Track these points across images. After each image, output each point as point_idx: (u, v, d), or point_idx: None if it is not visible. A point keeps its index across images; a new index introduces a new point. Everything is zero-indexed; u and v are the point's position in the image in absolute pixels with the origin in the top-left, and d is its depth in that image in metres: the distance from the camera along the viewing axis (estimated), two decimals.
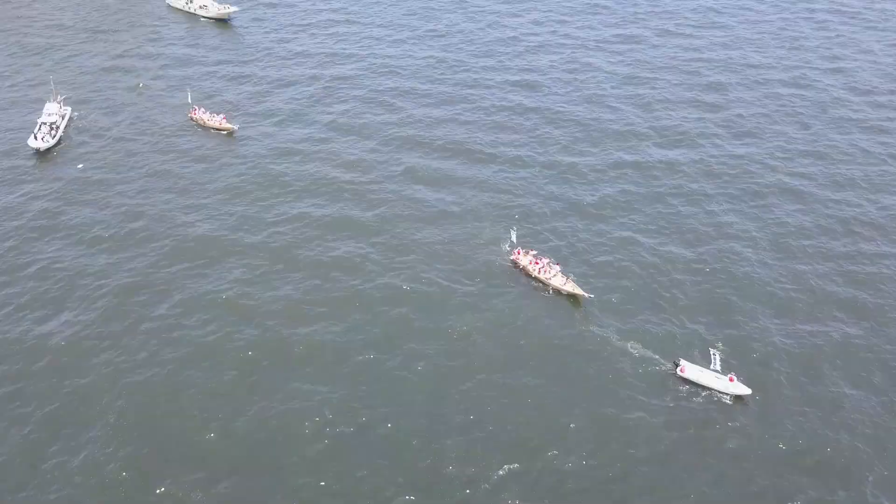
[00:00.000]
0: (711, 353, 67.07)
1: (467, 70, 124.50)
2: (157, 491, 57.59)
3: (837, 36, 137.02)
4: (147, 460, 59.86)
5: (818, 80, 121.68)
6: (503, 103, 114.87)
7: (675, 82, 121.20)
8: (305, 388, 66.29)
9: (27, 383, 66.88)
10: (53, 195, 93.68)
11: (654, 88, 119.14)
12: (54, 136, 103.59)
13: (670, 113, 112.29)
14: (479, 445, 61.18)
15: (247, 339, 71.36)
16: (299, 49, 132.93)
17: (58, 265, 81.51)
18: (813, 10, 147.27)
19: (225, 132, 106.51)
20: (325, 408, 64.27)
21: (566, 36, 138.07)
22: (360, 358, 69.32)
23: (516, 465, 59.66)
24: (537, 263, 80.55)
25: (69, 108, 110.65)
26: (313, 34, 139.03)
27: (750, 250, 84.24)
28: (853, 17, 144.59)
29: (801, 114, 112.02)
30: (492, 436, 62.17)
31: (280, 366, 68.62)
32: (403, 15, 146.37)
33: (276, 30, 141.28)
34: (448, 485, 58.38)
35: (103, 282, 78.85)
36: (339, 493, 57.64)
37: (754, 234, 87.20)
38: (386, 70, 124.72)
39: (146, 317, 74.16)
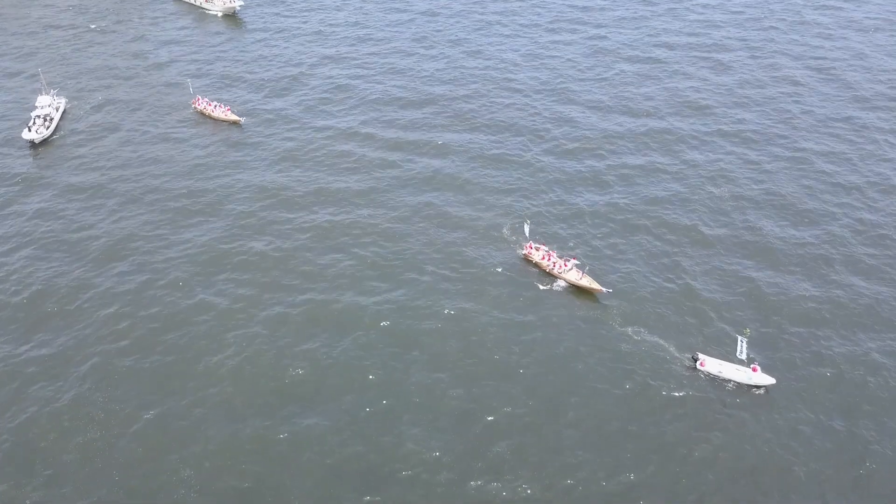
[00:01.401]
0: (738, 339, 63.42)
1: (474, 65, 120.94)
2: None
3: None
4: None
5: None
6: (511, 94, 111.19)
7: (685, 72, 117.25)
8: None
9: None
10: (46, 187, 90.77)
11: (665, 79, 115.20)
12: (48, 128, 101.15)
13: (680, 103, 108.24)
14: (486, 436, 58.52)
15: (241, 334, 68.28)
16: (305, 43, 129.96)
17: (48, 255, 78.81)
18: None
19: (230, 123, 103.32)
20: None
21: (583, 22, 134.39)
22: (364, 341, 66.78)
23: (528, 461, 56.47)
24: (550, 258, 75.81)
25: (63, 100, 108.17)
26: (319, 28, 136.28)
27: (766, 243, 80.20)
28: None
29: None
30: (499, 429, 59.10)
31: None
32: (410, 12, 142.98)
33: (282, 23, 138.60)
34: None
35: (96, 277, 75.94)
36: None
37: (771, 225, 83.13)
38: (392, 63, 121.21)
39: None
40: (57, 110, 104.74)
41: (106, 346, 66.96)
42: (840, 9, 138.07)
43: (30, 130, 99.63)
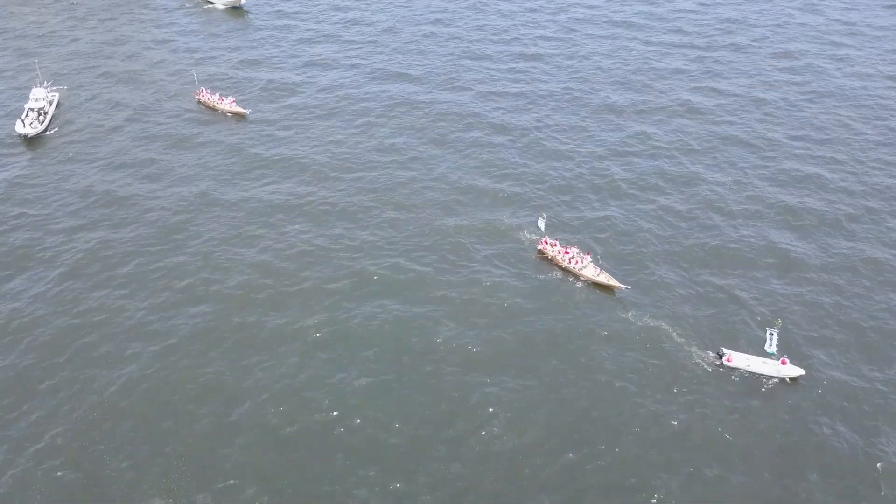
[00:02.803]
0: (768, 332, 60.20)
1: (480, 56, 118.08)
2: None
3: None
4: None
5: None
6: (519, 87, 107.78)
7: (690, 59, 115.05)
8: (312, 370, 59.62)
9: None
10: (40, 182, 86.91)
11: (668, 66, 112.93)
12: (42, 122, 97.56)
13: (692, 87, 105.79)
14: (490, 432, 54.74)
15: (247, 323, 64.54)
16: (312, 36, 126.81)
17: (43, 252, 74.89)
18: None
19: (236, 116, 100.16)
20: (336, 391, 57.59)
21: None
22: (374, 341, 62.40)
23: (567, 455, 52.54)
24: (567, 253, 71.62)
25: (57, 94, 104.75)
26: (326, 21, 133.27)
27: (789, 232, 76.87)
28: None
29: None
30: (505, 425, 55.24)
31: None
32: (415, 3, 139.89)
33: (287, 16, 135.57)
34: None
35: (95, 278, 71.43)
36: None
37: (792, 214, 79.61)
38: (396, 53, 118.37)
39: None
40: (51, 104, 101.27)
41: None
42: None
43: (23, 124, 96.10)
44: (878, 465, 52.37)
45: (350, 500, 49.64)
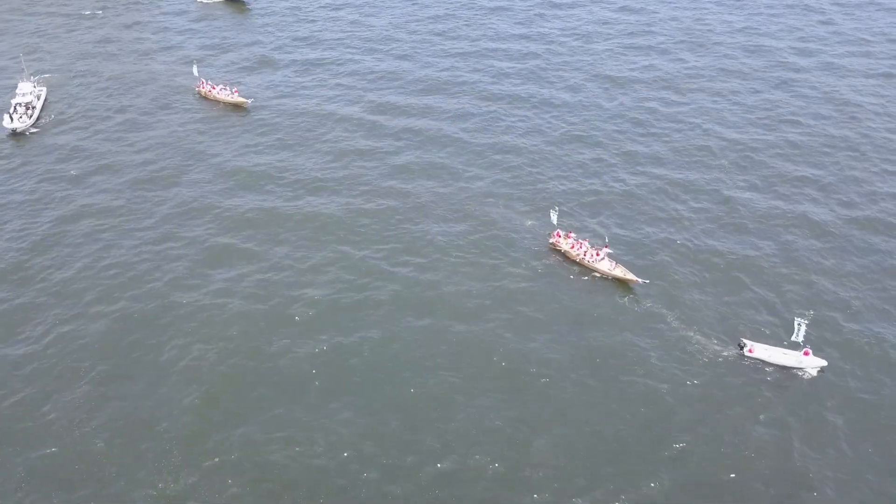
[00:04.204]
0: (796, 322, 57.85)
1: (484, 50, 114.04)
2: None
3: None
4: None
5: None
6: (523, 84, 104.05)
7: (699, 53, 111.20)
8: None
9: None
10: (35, 177, 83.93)
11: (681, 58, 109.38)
12: (31, 116, 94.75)
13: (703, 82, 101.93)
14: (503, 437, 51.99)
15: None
16: (312, 30, 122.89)
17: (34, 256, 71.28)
18: None
19: (236, 106, 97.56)
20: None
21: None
22: (381, 347, 59.10)
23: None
24: (580, 247, 67.88)
25: (45, 88, 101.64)
26: (329, 14, 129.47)
27: (808, 229, 72.95)
28: None
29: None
30: (515, 425, 52.68)
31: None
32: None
33: (290, 10, 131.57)
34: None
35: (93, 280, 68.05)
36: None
37: (813, 210, 75.73)
38: (401, 51, 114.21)
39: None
40: (38, 98, 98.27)
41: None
42: None
43: (11, 119, 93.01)
44: None
45: None
